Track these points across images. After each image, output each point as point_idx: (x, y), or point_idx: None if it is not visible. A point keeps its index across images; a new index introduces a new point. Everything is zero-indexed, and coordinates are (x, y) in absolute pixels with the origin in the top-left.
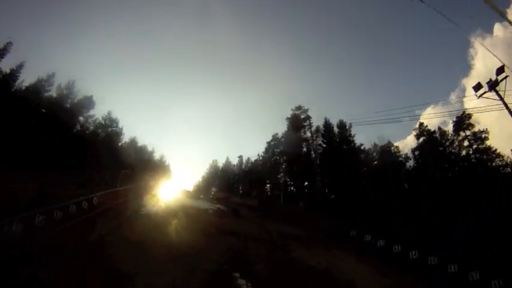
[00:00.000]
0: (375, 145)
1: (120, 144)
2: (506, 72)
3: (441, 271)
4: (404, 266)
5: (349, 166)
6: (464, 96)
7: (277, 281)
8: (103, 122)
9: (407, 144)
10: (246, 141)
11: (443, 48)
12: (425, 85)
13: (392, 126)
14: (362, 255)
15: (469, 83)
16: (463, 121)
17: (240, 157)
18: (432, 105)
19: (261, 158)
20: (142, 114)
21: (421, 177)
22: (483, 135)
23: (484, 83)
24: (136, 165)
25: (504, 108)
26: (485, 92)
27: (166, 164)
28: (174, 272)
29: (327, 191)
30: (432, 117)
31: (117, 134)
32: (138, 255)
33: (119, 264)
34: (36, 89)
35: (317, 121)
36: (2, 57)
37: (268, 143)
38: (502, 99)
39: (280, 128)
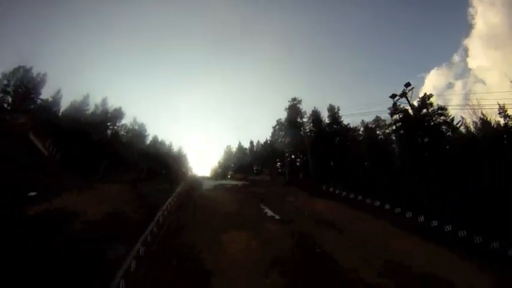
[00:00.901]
0: (362, 122)
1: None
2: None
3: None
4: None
5: (337, 143)
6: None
7: (277, 206)
8: (131, 127)
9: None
10: (257, 124)
11: (443, 8)
12: (426, 48)
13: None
14: (330, 200)
15: (471, 43)
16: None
17: (251, 142)
18: (436, 68)
19: (269, 141)
20: (150, 106)
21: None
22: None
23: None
24: (161, 160)
25: None
26: (399, 98)
27: (184, 154)
28: (235, 206)
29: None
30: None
31: (144, 136)
32: (217, 204)
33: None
34: (78, 110)
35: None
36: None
37: (274, 127)
38: (409, 102)
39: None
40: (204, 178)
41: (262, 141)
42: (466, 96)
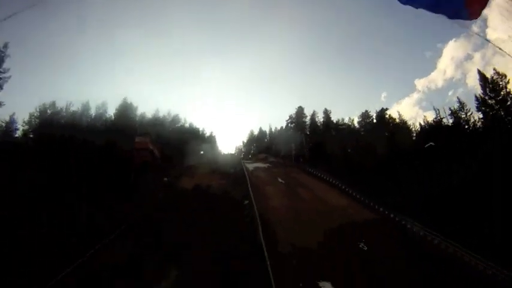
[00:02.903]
0: (349, 118)
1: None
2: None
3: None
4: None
5: (327, 137)
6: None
7: (284, 178)
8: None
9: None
10: (277, 106)
11: None
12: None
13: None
14: (312, 177)
15: (490, 13)
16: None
17: (270, 128)
18: (454, 39)
19: (283, 129)
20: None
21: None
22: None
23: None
24: (197, 145)
25: None
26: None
27: (213, 136)
28: (266, 178)
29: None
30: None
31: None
32: (258, 176)
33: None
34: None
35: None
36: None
37: (287, 121)
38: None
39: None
40: (233, 156)
41: (279, 126)
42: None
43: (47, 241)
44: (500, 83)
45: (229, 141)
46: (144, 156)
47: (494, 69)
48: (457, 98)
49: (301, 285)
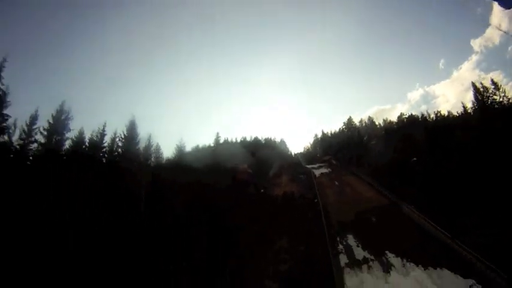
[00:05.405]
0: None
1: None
2: None
3: None
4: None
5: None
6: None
7: (339, 180)
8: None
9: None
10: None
11: None
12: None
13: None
14: (354, 176)
15: None
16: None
17: (330, 131)
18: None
19: (337, 133)
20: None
21: None
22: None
23: None
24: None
25: None
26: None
27: (283, 141)
28: (326, 182)
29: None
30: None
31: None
32: (321, 180)
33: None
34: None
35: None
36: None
37: (341, 127)
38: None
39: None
40: (303, 158)
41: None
42: None
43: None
44: None
45: (298, 141)
46: (245, 178)
47: None
48: None
49: (338, 235)
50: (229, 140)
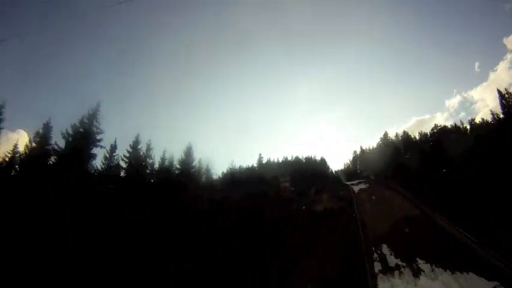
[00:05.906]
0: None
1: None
2: None
3: None
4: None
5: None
6: None
7: (376, 194)
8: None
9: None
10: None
11: None
12: None
13: None
14: (391, 190)
15: None
16: None
17: (368, 147)
18: None
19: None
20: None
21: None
22: None
23: None
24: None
25: None
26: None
27: (323, 159)
28: (366, 196)
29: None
30: None
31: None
32: (360, 196)
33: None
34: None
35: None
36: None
37: (378, 143)
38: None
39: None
40: (342, 174)
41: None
42: None
43: None
44: None
45: (338, 158)
46: (288, 195)
47: None
48: None
49: (373, 245)
50: (272, 160)
